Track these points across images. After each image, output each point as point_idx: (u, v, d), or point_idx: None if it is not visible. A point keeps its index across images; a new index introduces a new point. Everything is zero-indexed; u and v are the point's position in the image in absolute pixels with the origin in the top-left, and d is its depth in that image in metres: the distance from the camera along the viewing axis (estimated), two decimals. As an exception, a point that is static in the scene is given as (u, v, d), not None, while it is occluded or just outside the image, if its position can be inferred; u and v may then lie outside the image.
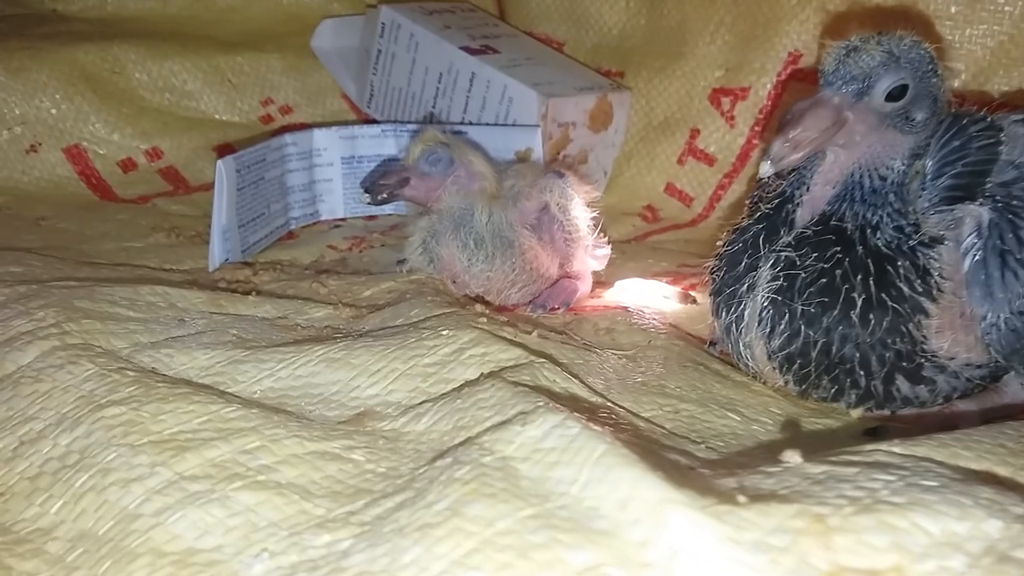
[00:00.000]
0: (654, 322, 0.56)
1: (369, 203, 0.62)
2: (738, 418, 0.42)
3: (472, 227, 0.59)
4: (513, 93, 0.79)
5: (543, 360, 0.41)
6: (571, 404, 0.35)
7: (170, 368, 0.43)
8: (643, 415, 0.40)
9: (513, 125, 0.77)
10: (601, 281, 0.65)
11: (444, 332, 0.44)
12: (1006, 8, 0.70)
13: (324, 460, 0.33)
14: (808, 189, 0.45)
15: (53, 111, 0.81)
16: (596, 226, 0.63)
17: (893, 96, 0.43)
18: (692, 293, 0.62)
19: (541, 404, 0.33)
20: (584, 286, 0.61)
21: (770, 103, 0.80)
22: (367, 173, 0.69)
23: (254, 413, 0.36)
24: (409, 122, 0.85)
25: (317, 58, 0.94)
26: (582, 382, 0.41)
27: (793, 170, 0.46)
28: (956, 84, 0.71)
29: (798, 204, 0.45)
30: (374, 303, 0.56)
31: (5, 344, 0.43)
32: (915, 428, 0.42)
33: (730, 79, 0.82)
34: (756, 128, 0.81)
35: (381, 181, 0.61)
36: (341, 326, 0.51)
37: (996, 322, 0.43)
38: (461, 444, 0.32)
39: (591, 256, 0.63)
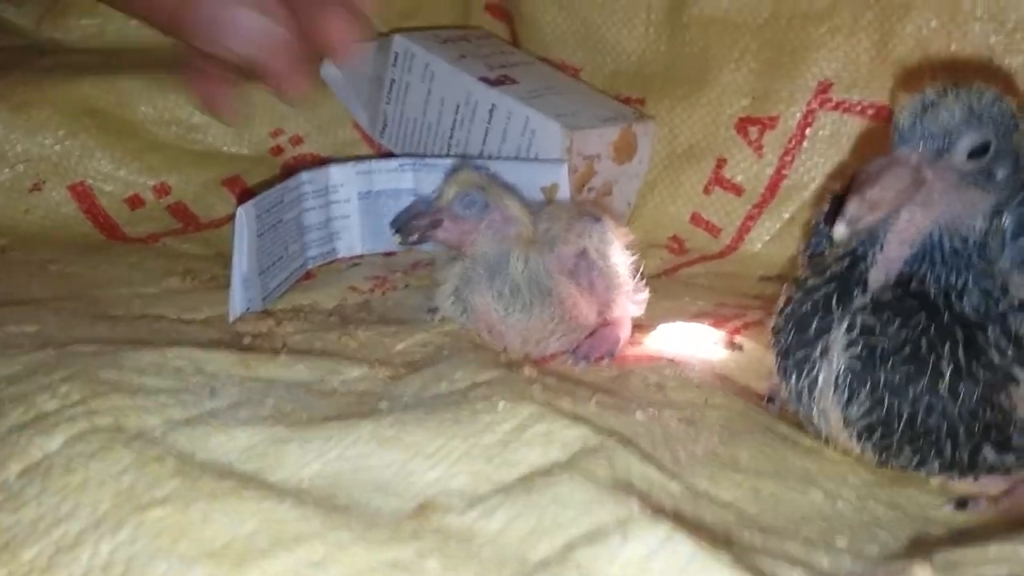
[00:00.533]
0: (704, 375, 0.53)
1: (400, 243, 0.60)
2: (821, 494, 0.40)
3: (508, 275, 0.57)
4: (536, 125, 0.76)
5: (613, 441, 0.39)
6: (659, 498, 0.33)
7: (209, 450, 0.40)
8: (724, 498, 0.38)
9: (538, 160, 0.75)
10: (640, 324, 0.62)
11: (500, 405, 0.41)
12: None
13: (398, 571, 0.30)
14: (882, 248, 0.43)
15: (57, 147, 0.78)
16: (636, 270, 0.61)
17: (975, 154, 0.41)
18: (738, 339, 0.59)
19: (636, 509, 0.30)
20: (624, 332, 0.59)
21: (799, 132, 0.78)
22: (397, 212, 0.66)
23: (312, 512, 0.33)
24: (428, 155, 0.82)
25: (327, 87, 0.91)
26: (658, 466, 0.38)
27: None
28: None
29: (871, 264, 0.43)
30: (409, 359, 0.54)
31: (30, 426, 0.40)
32: (1005, 499, 0.40)
33: (757, 108, 0.80)
34: (786, 158, 0.78)
35: (413, 222, 0.59)
36: (379, 390, 0.48)
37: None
38: (551, 560, 0.29)
39: (631, 301, 0.60)
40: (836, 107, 0.76)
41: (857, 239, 0.44)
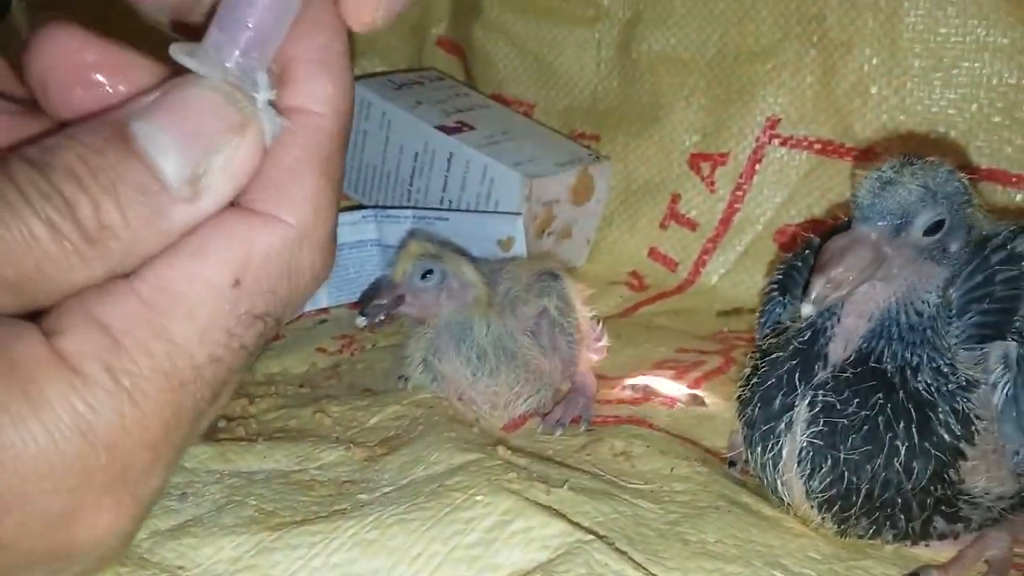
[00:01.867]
0: (669, 437, 0.55)
1: (364, 327, 0.61)
2: (782, 576, 0.42)
3: (473, 340, 0.58)
4: (494, 174, 0.78)
5: (591, 540, 0.40)
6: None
7: (197, 563, 0.41)
8: (696, 590, 0.40)
9: (494, 212, 0.76)
10: (604, 376, 0.64)
11: (479, 499, 0.43)
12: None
13: None
14: (840, 320, 0.45)
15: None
16: (596, 324, 0.62)
17: (930, 231, 0.43)
18: (699, 393, 0.61)
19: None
20: (590, 392, 0.60)
21: (750, 168, 0.80)
22: (359, 266, 0.67)
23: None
24: (390, 206, 0.83)
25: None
26: (633, 563, 0.40)
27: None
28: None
29: (831, 337, 0.45)
30: (384, 436, 0.55)
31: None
32: (953, 566, 0.43)
33: (708, 144, 0.82)
34: (737, 193, 0.80)
35: (376, 302, 0.60)
36: (357, 476, 0.50)
37: (1030, 457, 0.43)
38: None
39: (592, 351, 0.62)
40: (784, 143, 0.78)
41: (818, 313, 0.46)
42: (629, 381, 0.63)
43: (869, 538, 0.45)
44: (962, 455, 0.42)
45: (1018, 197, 0.70)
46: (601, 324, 0.63)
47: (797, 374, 0.45)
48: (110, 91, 0.27)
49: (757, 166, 0.79)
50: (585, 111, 0.89)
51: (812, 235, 0.53)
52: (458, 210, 0.78)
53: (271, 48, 0.27)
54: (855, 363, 0.44)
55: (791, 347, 0.46)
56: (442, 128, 0.81)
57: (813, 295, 0.41)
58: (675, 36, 0.83)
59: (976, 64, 0.70)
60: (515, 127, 0.84)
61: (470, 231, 0.73)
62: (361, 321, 0.60)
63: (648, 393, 0.61)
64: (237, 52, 0.26)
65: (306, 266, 0.27)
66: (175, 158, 0.25)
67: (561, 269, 0.63)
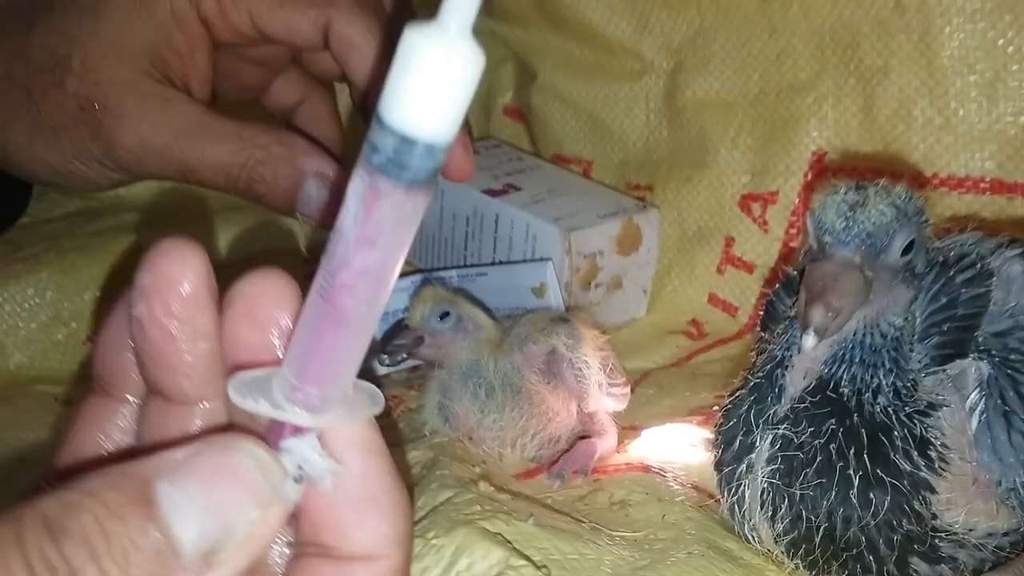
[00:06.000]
0: (674, 484, 0.53)
1: (388, 365, 0.63)
2: (742, 622, 0.40)
3: (482, 377, 0.59)
4: (536, 231, 0.79)
5: (521, 565, 0.40)
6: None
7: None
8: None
9: (525, 261, 0.77)
10: (633, 426, 0.63)
11: (434, 543, 0.43)
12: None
13: None
14: (799, 350, 0.43)
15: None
16: (607, 365, 0.62)
17: (905, 251, 0.41)
18: (719, 438, 0.59)
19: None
20: (606, 442, 0.59)
21: (801, 204, 0.77)
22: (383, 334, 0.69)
23: None
24: (438, 268, 0.85)
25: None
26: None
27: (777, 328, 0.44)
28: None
29: (788, 367, 0.43)
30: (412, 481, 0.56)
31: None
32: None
33: (757, 184, 0.80)
34: (791, 231, 0.78)
35: (398, 342, 0.62)
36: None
37: (1014, 487, 0.39)
38: None
39: (607, 395, 0.61)
40: (834, 175, 0.75)
41: (777, 343, 0.44)
42: (648, 430, 0.61)
43: (847, 583, 0.42)
44: (928, 487, 0.39)
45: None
46: (612, 366, 0.62)
47: (754, 412, 0.43)
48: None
49: (808, 202, 0.77)
50: (639, 163, 0.89)
51: (791, 269, 0.51)
52: (492, 264, 0.79)
53: (337, 389, 0.27)
54: (814, 391, 0.41)
55: (751, 383, 0.44)
56: (489, 191, 0.83)
57: (815, 325, 0.39)
58: (717, 80, 0.82)
59: (1019, 74, 0.66)
60: (562, 184, 0.85)
61: (507, 282, 0.74)
62: (384, 360, 0.62)
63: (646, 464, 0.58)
64: (298, 394, 0.26)
65: None
66: (196, 529, 0.24)
67: (574, 316, 0.63)
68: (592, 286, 0.79)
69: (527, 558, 0.42)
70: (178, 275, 0.27)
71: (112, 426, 0.30)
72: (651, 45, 0.86)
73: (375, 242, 0.24)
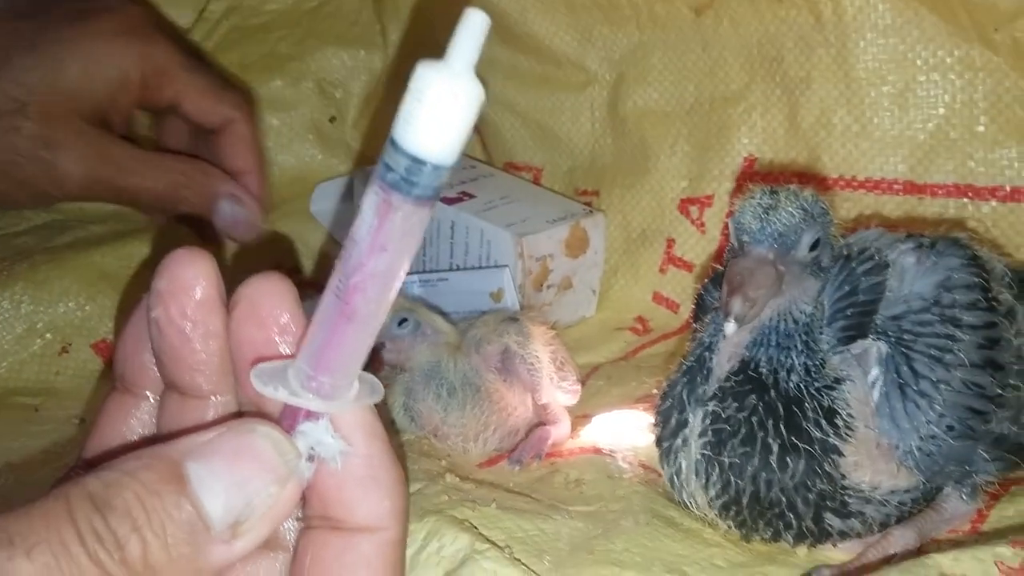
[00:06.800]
0: (623, 464, 0.59)
1: None
2: (680, 581, 0.45)
3: (443, 378, 0.64)
4: (490, 236, 0.84)
5: (486, 548, 0.45)
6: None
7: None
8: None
9: (483, 268, 0.82)
10: (585, 415, 0.68)
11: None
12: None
13: None
14: (724, 336, 0.48)
15: (79, 313, 0.88)
16: (559, 360, 0.67)
17: (812, 248, 0.47)
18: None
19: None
20: (560, 429, 0.65)
21: (733, 208, 0.83)
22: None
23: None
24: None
25: (317, 220, 1.00)
26: (525, 566, 0.44)
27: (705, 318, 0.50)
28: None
29: (715, 352, 0.48)
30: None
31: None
32: (850, 565, 0.45)
33: (695, 188, 0.86)
34: (726, 232, 0.83)
35: None
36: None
37: (910, 450, 0.45)
38: None
39: (559, 389, 0.66)
40: (762, 180, 0.81)
41: (704, 331, 0.50)
42: (598, 417, 0.67)
43: (772, 541, 0.47)
44: (836, 451, 0.45)
45: (985, 209, 0.71)
46: (562, 362, 0.67)
47: (686, 392, 0.48)
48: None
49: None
50: (586, 170, 0.94)
51: (719, 265, 0.57)
52: (453, 270, 0.84)
53: (346, 378, 0.30)
54: (737, 372, 0.47)
55: (684, 367, 0.49)
56: (444, 199, 0.88)
57: (734, 313, 0.45)
58: (656, 91, 0.88)
59: (927, 85, 0.72)
60: (514, 191, 0.90)
61: (467, 287, 0.79)
62: None
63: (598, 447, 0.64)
64: (312, 383, 0.30)
65: None
66: (223, 504, 0.27)
67: (522, 315, 0.68)
68: (544, 287, 0.85)
69: (491, 541, 0.46)
70: (192, 280, 0.31)
71: (134, 420, 0.34)
72: (594, 58, 0.92)
73: (386, 248, 0.28)
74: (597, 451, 0.62)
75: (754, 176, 0.80)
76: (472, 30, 0.28)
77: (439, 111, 0.27)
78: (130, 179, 0.71)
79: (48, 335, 0.88)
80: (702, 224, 0.85)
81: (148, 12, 0.75)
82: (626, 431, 0.64)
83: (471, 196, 0.89)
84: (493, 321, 0.67)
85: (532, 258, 0.83)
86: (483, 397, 0.63)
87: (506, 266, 0.79)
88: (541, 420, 0.65)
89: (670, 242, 0.87)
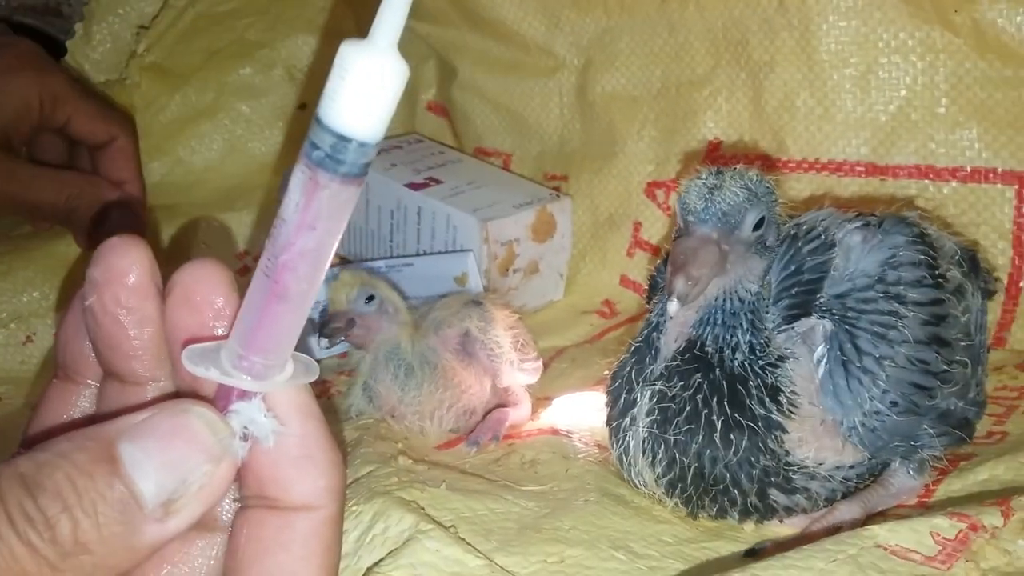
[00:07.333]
0: (579, 444, 0.59)
1: (327, 347, 0.67)
2: (624, 557, 0.45)
3: (401, 357, 0.64)
4: (456, 221, 0.84)
5: (430, 528, 0.45)
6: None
7: None
8: (525, 572, 0.43)
9: (447, 252, 0.82)
10: (547, 397, 0.68)
11: (354, 508, 0.48)
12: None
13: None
14: (669, 315, 0.48)
15: (43, 302, 0.88)
16: (519, 343, 0.67)
17: (756, 227, 0.47)
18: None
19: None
20: (520, 411, 0.65)
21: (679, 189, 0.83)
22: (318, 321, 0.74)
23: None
24: (361, 260, 0.90)
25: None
26: (469, 545, 0.44)
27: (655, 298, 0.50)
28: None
29: (662, 331, 0.48)
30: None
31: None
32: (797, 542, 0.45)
33: (661, 172, 0.86)
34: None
35: (333, 325, 0.66)
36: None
37: (854, 426, 0.45)
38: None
39: (520, 371, 0.66)
40: (727, 163, 0.81)
41: (652, 310, 0.50)
42: (558, 399, 0.67)
43: (718, 518, 0.48)
44: (779, 427, 0.45)
45: (945, 190, 0.71)
46: (523, 343, 0.67)
47: (635, 371, 0.48)
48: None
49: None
50: (555, 155, 0.94)
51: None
52: (418, 255, 0.84)
53: (279, 358, 0.30)
54: (683, 351, 0.47)
55: (633, 347, 0.49)
56: (411, 185, 0.88)
57: (678, 292, 0.45)
58: (623, 76, 0.88)
59: (889, 67, 0.72)
60: (481, 177, 0.90)
61: (432, 272, 0.79)
62: (323, 343, 0.66)
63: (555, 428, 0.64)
64: (244, 362, 0.29)
65: None
66: (155, 483, 0.27)
67: (485, 298, 0.68)
68: (510, 272, 0.84)
69: (436, 521, 0.46)
70: (125, 268, 0.31)
71: (74, 408, 0.34)
72: (563, 43, 0.91)
73: (314, 227, 0.28)
74: (555, 432, 0.62)
75: (718, 159, 0.80)
76: (395, 7, 0.28)
77: (363, 88, 0.27)
78: (33, 194, 0.81)
79: (12, 325, 0.87)
80: (668, 208, 0.85)
81: (36, 47, 0.85)
82: (585, 412, 0.64)
83: (438, 182, 0.89)
84: (455, 304, 0.67)
85: (497, 243, 0.83)
86: (439, 375, 0.63)
87: (470, 251, 0.79)
88: (501, 402, 0.65)
89: (637, 226, 0.87)
